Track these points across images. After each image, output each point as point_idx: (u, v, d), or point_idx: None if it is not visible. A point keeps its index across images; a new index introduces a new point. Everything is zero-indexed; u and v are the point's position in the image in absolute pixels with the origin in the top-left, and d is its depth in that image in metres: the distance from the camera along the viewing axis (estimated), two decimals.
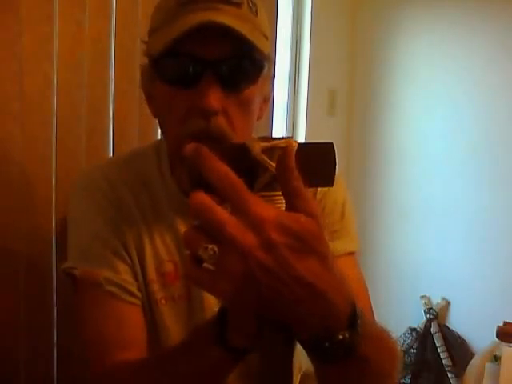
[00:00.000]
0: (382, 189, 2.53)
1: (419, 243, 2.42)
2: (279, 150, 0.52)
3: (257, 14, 0.73)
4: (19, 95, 1.11)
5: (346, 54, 2.51)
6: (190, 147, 0.47)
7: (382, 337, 0.58)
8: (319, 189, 0.89)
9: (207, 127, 0.71)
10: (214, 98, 0.69)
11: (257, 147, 0.52)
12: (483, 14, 2.19)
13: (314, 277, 0.46)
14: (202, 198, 0.45)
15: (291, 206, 0.48)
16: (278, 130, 2.23)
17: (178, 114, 0.73)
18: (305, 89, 2.28)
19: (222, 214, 0.44)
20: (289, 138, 0.54)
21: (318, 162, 0.56)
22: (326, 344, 0.49)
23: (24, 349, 1.16)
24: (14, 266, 1.14)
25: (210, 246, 0.44)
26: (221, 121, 0.71)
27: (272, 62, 0.79)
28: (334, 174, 0.57)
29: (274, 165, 0.51)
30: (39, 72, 1.14)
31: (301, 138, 2.30)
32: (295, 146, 0.53)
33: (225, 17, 0.68)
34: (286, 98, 2.30)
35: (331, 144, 0.57)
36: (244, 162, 0.52)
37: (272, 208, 0.46)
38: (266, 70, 0.76)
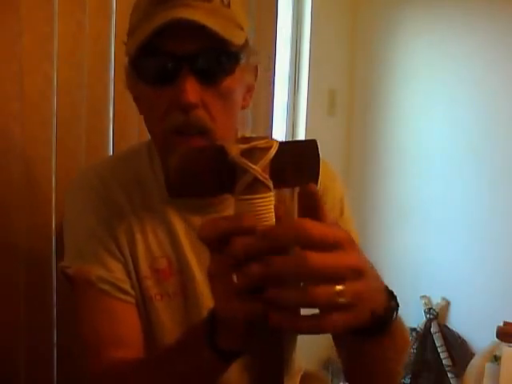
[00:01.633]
0: (382, 189, 2.53)
1: (419, 243, 2.42)
2: (259, 151, 0.51)
3: (229, 5, 0.73)
4: (19, 95, 1.11)
5: (346, 54, 2.51)
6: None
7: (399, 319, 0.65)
8: (319, 186, 0.88)
9: (187, 120, 0.72)
10: (192, 92, 0.70)
11: (235, 150, 0.51)
12: (483, 13, 2.19)
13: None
14: (314, 256, 0.44)
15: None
16: (278, 129, 2.23)
17: (159, 111, 0.74)
18: (305, 89, 2.28)
19: (341, 255, 0.46)
20: (267, 137, 0.53)
21: (301, 160, 0.55)
22: (388, 321, 0.58)
23: (24, 349, 1.16)
24: (14, 266, 1.14)
25: (339, 288, 0.45)
26: (200, 113, 0.72)
27: (252, 50, 0.79)
28: (319, 171, 0.56)
29: (254, 167, 0.50)
30: (39, 72, 1.14)
31: (301, 138, 2.30)
32: (276, 145, 0.52)
33: (195, 13, 0.68)
34: (285, 98, 2.29)
35: (314, 141, 0.56)
36: (223, 165, 0.51)
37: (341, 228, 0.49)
38: (243, 60, 0.76)
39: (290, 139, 2.27)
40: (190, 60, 0.70)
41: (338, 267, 0.45)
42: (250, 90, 0.83)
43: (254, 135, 0.57)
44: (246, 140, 0.52)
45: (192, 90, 0.70)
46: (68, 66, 1.20)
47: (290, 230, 0.45)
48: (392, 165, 2.50)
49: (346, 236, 0.48)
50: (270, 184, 0.51)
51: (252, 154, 0.51)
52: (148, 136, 0.84)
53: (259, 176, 0.50)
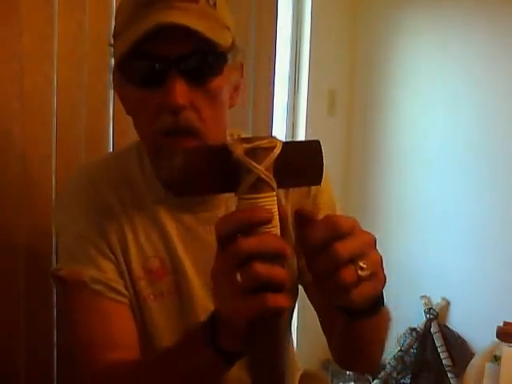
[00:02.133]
0: (381, 189, 2.53)
1: (419, 243, 2.42)
2: (263, 150, 0.51)
3: (215, 6, 0.73)
4: (19, 95, 1.11)
5: (346, 54, 2.51)
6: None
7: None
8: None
9: (176, 122, 0.72)
10: (180, 94, 0.70)
11: (239, 149, 0.50)
12: (483, 13, 2.19)
13: None
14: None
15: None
16: (278, 130, 2.23)
17: (148, 113, 0.74)
18: (305, 89, 2.28)
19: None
20: (272, 137, 0.52)
21: (304, 160, 0.55)
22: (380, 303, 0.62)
23: (24, 349, 1.16)
24: (14, 266, 1.14)
25: (362, 264, 0.51)
26: (189, 114, 0.72)
27: (239, 49, 0.79)
28: (322, 172, 0.56)
29: (258, 166, 0.50)
30: (39, 72, 1.14)
31: (301, 138, 2.30)
32: (280, 145, 0.52)
33: (181, 15, 0.68)
34: (285, 98, 2.29)
35: (317, 142, 0.55)
36: (227, 164, 0.51)
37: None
38: (230, 60, 0.76)
39: (290, 139, 2.27)
40: (178, 62, 0.70)
41: (358, 248, 0.52)
42: (237, 88, 0.83)
43: (245, 135, 0.57)
44: (249, 140, 0.51)
45: (181, 92, 0.70)
46: (68, 66, 1.20)
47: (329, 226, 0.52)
48: (392, 165, 2.50)
49: (351, 220, 0.54)
50: (274, 184, 0.51)
51: (256, 153, 0.51)
52: None
53: (263, 175, 0.50)
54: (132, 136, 1.35)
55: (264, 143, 0.51)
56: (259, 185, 0.51)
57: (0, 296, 1.12)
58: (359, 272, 0.51)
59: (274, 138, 0.53)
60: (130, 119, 0.82)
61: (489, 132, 2.22)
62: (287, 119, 2.31)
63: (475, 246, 2.27)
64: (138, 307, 0.82)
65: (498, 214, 2.21)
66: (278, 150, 0.51)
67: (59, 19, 1.16)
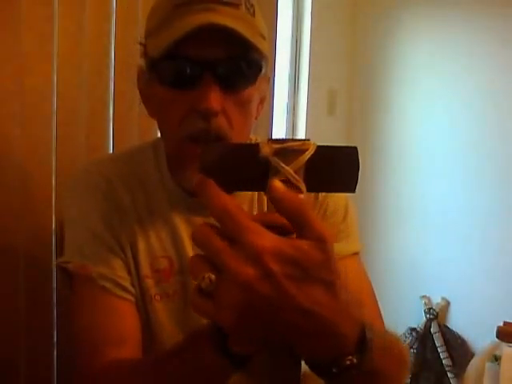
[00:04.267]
0: (381, 188, 2.53)
1: (419, 243, 2.42)
2: (293, 152, 0.50)
3: (254, 14, 0.73)
4: (19, 95, 1.11)
5: (346, 54, 2.51)
6: (197, 180, 0.48)
7: (391, 346, 0.58)
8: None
9: (208, 128, 0.71)
10: (215, 99, 0.69)
11: (267, 148, 0.50)
12: (483, 13, 2.19)
13: (318, 306, 0.45)
14: (203, 228, 0.46)
15: (298, 233, 0.46)
16: (278, 129, 2.23)
17: (177, 116, 0.73)
18: (305, 89, 2.28)
19: (220, 243, 0.44)
20: (306, 140, 0.52)
21: (339, 166, 0.54)
22: (334, 370, 0.48)
23: (24, 349, 1.16)
24: (14, 266, 1.14)
25: (207, 275, 0.45)
26: (221, 121, 0.72)
27: (269, 62, 0.79)
28: (357, 180, 0.54)
29: (285, 167, 0.50)
30: (39, 72, 1.14)
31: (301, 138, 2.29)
32: (313, 148, 0.51)
33: (224, 18, 0.67)
34: (285, 98, 2.29)
35: (355, 148, 0.54)
36: (255, 163, 0.51)
37: (271, 236, 0.44)
38: (264, 69, 0.76)
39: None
40: (214, 66, 0.69)
41: (212, 254, 0.46)
42: (262, 100, 0.83)
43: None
44: (281, 141, 0.51)
45: (215, 97, 0.69)
46: (68, 66, 1.20)
47: None
48: (392, 164, 2.50)
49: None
50: (302, 186, 0.51)
51: (286, 154, 0.50)
52: (148, 136, 0.83)
53: (290, 177, 0.50)
54: (132, 136, 1.36)
55: (295, 145, 0.51)
56: (287, 185, 0.50)
57: (0, 296, 1.12)
58: (198, 280, 0.45)
59: (309, 141, 0.52)
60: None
61: (489, 131, 2.22)
62: (287, 119, 2.31)
63: (475, 246, 2.27)
64: (144, 306, 0.82)
65: (498, 213, 2.21)
66: (309, 153, 0.51)
67: (59, 19, 1.16)
